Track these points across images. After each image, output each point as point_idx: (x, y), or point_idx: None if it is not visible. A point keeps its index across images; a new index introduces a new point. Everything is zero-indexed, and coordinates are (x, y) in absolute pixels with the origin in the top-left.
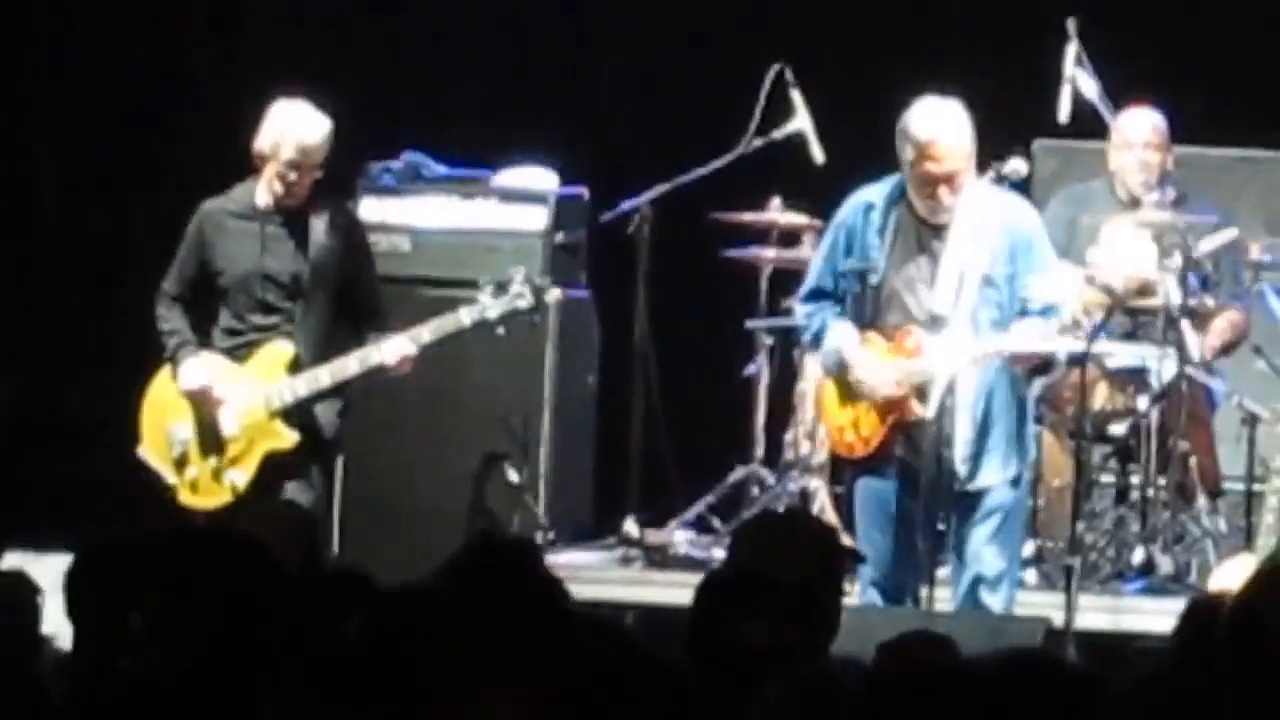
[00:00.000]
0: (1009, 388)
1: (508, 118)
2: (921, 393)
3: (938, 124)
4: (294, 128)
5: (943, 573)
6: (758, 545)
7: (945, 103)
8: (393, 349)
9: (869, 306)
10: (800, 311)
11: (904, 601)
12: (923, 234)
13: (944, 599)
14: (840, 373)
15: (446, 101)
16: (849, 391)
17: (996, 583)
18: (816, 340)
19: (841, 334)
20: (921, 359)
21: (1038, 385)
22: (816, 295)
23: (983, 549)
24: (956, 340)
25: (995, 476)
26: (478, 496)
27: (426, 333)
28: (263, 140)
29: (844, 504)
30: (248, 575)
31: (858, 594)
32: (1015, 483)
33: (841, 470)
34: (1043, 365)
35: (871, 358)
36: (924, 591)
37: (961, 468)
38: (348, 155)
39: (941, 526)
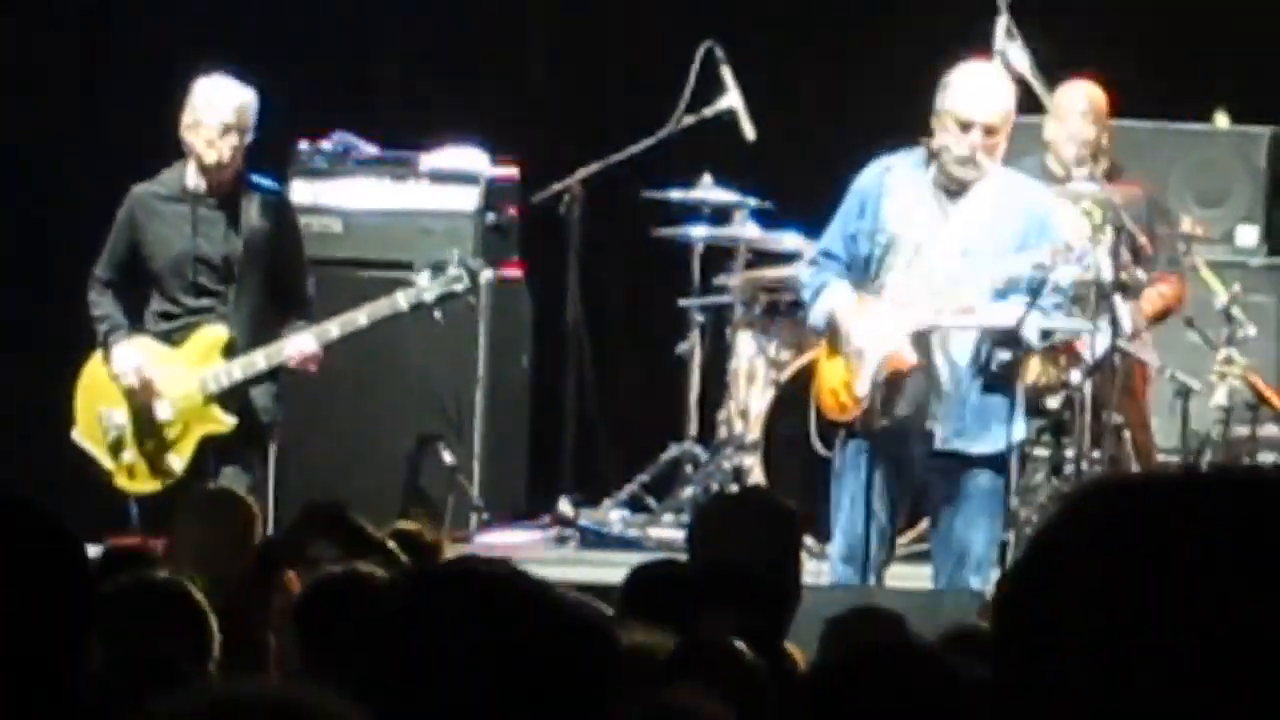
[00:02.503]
0: (990, 359)
1: (438, 98)
2: (918, 345)
3: (988, 75)
4: (216, 95)
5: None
6: (722, 531)
7: (992, 65)
8: (295, 346)
9: (875, 266)
10: (804, 273)
11: (869, 578)
12: (940, 198)
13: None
14: (826, 331)
15: (376, 82)
16: (840, 353)
17: (980, 564)
18: (814, 297)
19: (837, 294)
20: (913, 311)
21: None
22: (825, 256)
23: (968, 529)
24: (957, 303)
25: (984, 447)
26: (412, 478)
27: (346, 321)
28: (187, 115)
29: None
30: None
31: (828, 571)
32: (1002, 459)
33: (831, 436)
34: (1008, 339)
35: (862, 321)
36: (881, 570)
37: (949, 428)
38: (277, 137)
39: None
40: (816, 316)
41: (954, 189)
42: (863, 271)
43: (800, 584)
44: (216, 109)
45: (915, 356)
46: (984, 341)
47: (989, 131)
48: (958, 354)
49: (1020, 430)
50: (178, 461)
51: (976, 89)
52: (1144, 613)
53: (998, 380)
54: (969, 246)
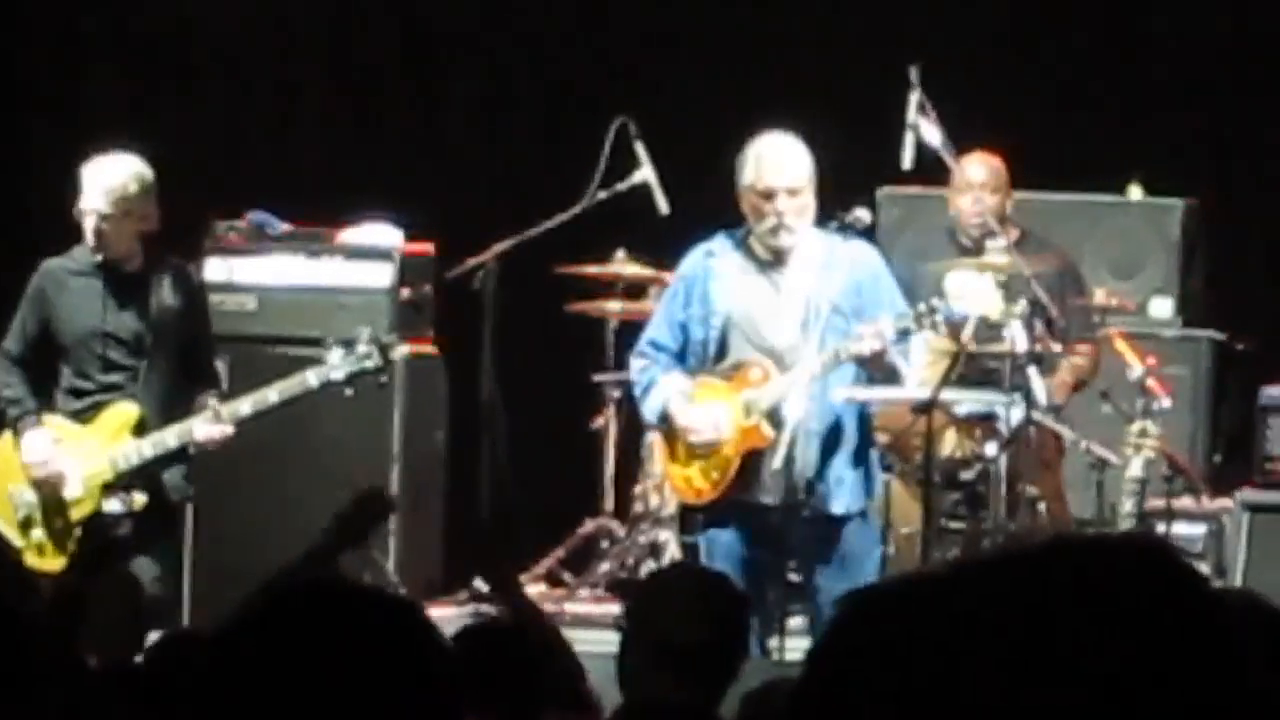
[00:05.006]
0: (856, 422)
1: (352, 175)
2: (772, 418)
3: (778, 141)
4: (102, 177)
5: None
6: (658, 605)
7: (783, 133)
8: (203, 430)
9: (713, 348)
10: (634, 366)
11: (767, 651)
12: (765, 270)
13: (796, 649)
14: (665, 427)
15: (291, 159)
16: (679, 446)
17: None
18: (645, 394)
19: (667, 388)
20: (770, 385)
21: (883, 435)
22: (652, 347)
23: (841, 592)
24: (804, 370)
25: (845, 505)
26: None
27: (258, 399)
28: (80, 195)
29: (694, 555)
30: None
31: None
32: (864, 516)
33: (691, 519)
34: (887, 366)
35: (696, 408)
36: (773, 641)
37: (810, 494)
38: (191, 214)
39: (793, 577)
40: (650, 411)
41: (774, 260)
42: (701, 355)
43: (741, 660)
44: (94, 195)
45: (773, 433)
46: (850, 406)
47: (792, 194)
48: (809, 420)
49: (879, 484)
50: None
51: (771, 157)
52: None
53: (858, 436)
54: (806, 316)
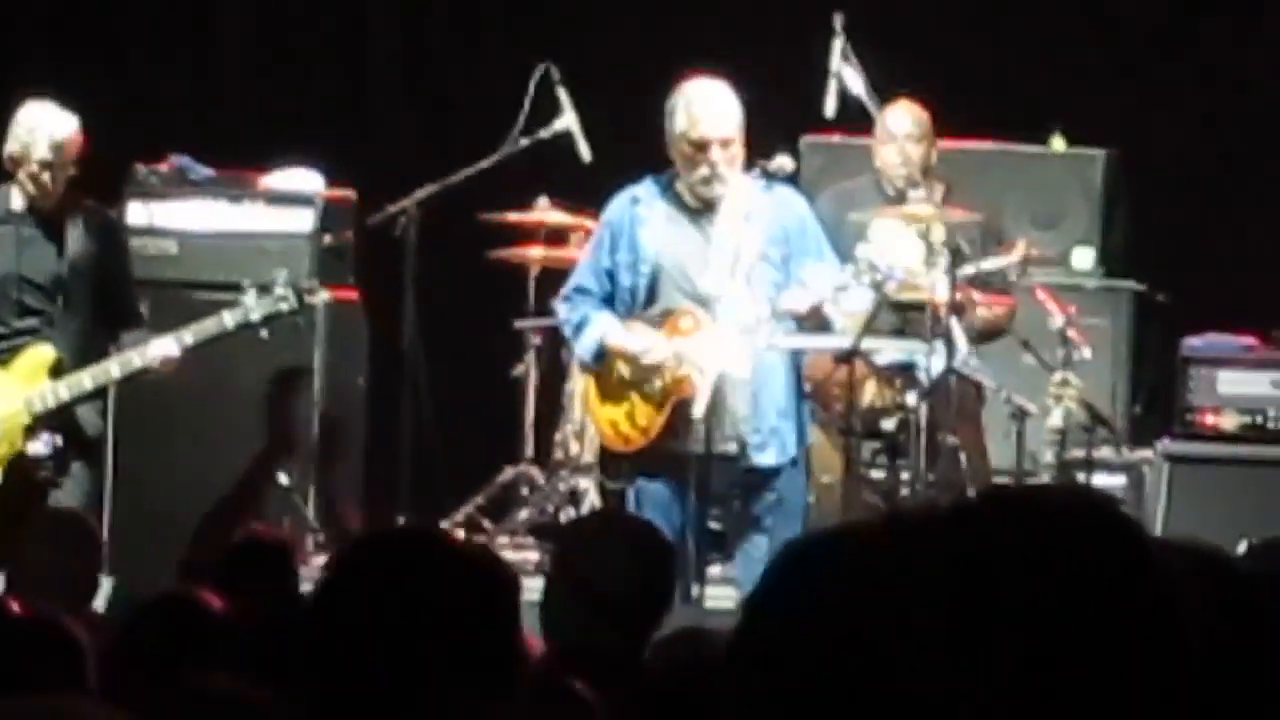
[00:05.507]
0: (786, 370)
1: (274, 120)
2: (703, 368)
3: (710, 89)
4: (43, 126)
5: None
6: (585, 553)
7: (713, 79)
8: (156, 350)
9: (641, 295)
10: (561, 309)
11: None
12: (693, 218)
13: (720, 597)
14: (599, 366)
15: (213, 104)
16: (610, 387)
17: None
18: (577, 332)
19: (602, 325)
20: (700, 335)
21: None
22: (578, 293)
23: (771, 542)
24: (733, 319)
25: (776, 457)
26: (250, 500)
27: (189, 335)
28: (12, 143)
29: (613, 502)
30: None
31: None
32: (795, 464)
33: (615, 466)
34: (820, 318)
35: (637, 334)
36: (695, 590)
37: (741, 444)
38: (113, 159)
39: (716, 525)
40: (585, 349)
41: (702, 207)
42: (629, 303)
43: (666, 608)
44: (38, 146)
45: (704, 383)
46: (780, 355)
47: (725, 144)
48: (741, 370)
49: (811, 434)
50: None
51: (704, 107)
52: (849, 671)
53: (791, 386)
54: (734, 263)
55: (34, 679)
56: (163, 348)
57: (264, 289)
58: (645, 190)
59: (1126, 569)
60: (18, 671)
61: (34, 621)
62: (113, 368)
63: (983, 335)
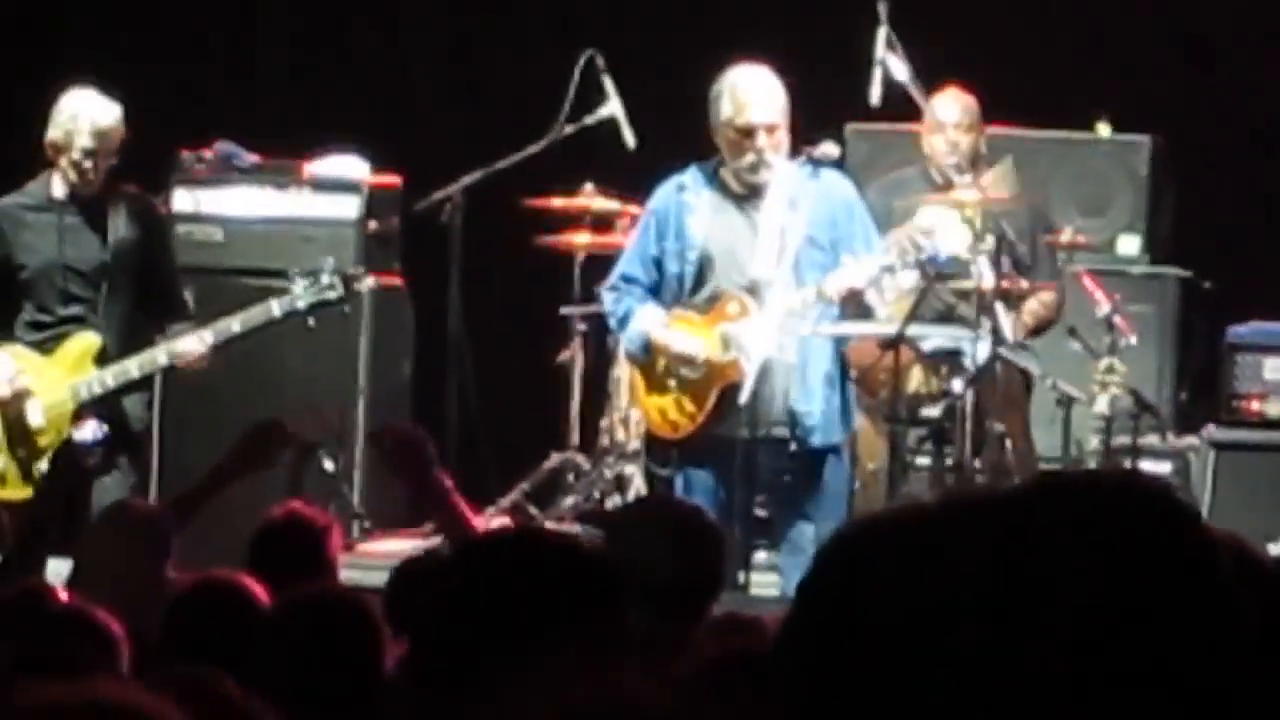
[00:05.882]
0: (831, 356)
1: (320, 107)
2: (749, 354)
3: (754, 75)
4: (86, 114)
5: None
6: (634, 540)
7: (757, 65)
8: (183, 348)
9: (689, 282)
10: (607, 299)
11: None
12: (740, 204)
13: (765, 584)
14: (646, 358)
15: (258, 91)
16: (656, 377)
17: None
18: (622, 324)
19: (647, 318)
20: (746, 320)
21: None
22: (624, 282)
23: (820, 529)
24: (779, 304)
25: (823, 438)
26: (294, 487)
27: (221, 329)
28: (55, 130)
29: (662, 488)
30: None
31: None
32: (839, 450)
33: (663, 453)
34: (863, 303)
35: (680, 333)
36: (741, 577)
37: (788, 428)
38: (159, 146)
39: (761, 512)
40: (630, 341)
41: (748, 194)
42: (677, 290)
43: (715, 594)
44: (82, 133)
45: (751, 367)
46: (826, 341)
47: (771, 130)
48: (787, 355)
49: (857, 418)
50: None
51: (750, 93)
52: (902, 654)
53: (836, 370)
54: (782, 249)
55: (71, 665)
56: (189, 345)
57: (311, 277)
58: (691, 178)
59: (1180, 553)
60: (55, 658)
61: (72, 611)
62: (160, 355)
63: (1034, 330)
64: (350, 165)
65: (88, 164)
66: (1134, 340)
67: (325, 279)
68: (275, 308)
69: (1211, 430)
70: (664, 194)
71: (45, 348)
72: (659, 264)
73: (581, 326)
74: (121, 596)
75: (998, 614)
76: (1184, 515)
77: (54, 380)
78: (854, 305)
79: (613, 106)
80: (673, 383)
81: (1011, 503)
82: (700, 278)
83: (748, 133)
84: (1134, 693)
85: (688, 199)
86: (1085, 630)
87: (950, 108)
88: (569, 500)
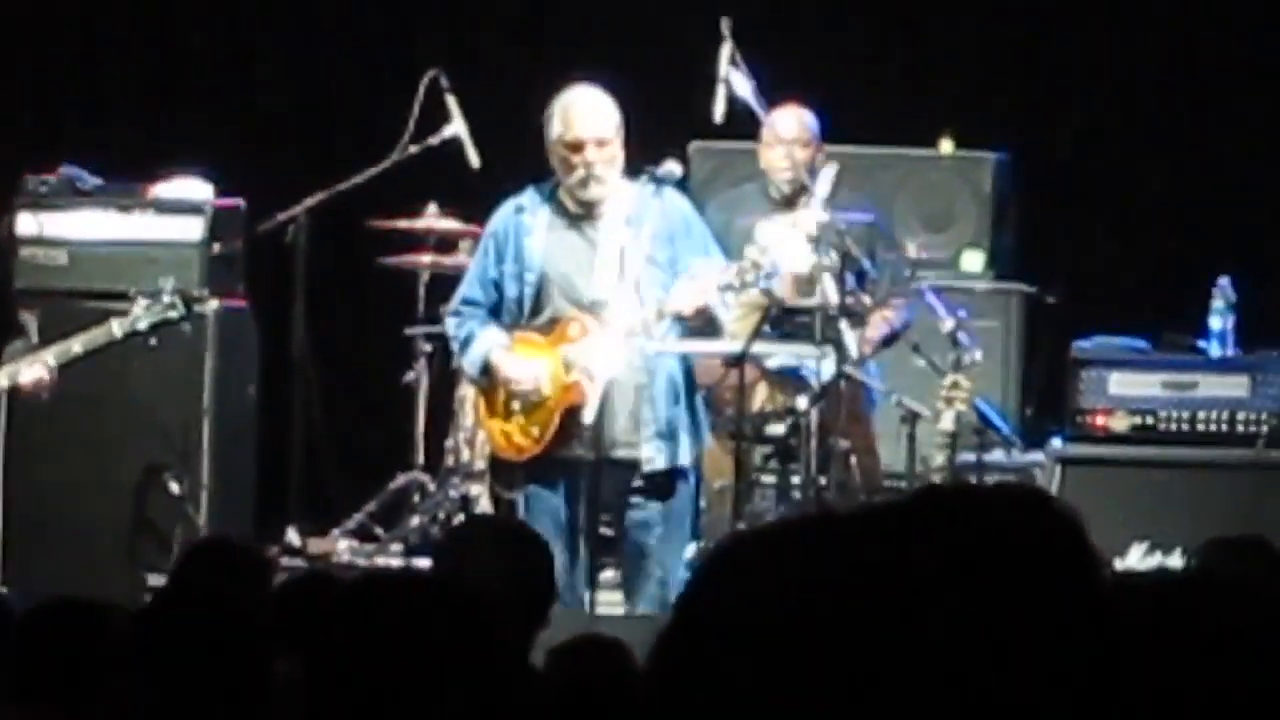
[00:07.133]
0: (677, 374)
1: (163, 129)
2: (592, 374)
3: (584, 93)
4: None
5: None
6: (459, 559)
7: (589, 85)
8: (26, 377)
9: (528, 304)
10: (449, 324)
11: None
12: (577, 224)
13: (610, 603)
14: (487, 381)
15: (102, 114)
16: (499, 400)
17: (682, 584)
18: (464, 348)
19: (487, 341)
20: (588, 341)
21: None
22: (466, 304)
23: (666, 549)
24: (621, 323)
25: (667, 461)
26: (139, 508)
27: (61, 350)
28: None
29: (505, 509)
30: None
31: None
32: (686, 469)
33: (508, 473)
34: (708, 319)
35: (517, 359)
36: (588, 595)
37: (631, 449)
38: (2, 169)
39: (607, 531)
40: (470, 364)
41: (584, 213)
42: (516, 313)
43: (547, 606)
44: None
45: (595, 389)
46: (670, 358)
47: (600, 144)
48: (633, 375)
49: (706, 437)
50: None
51: (578, 109)
52: (785, 665)
53: (684, 389)
54: (620, 268)
55: None
56: (32, 371)
57: (152, 297)
58: (529, 198)
59: (1067, 563)
60: None
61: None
62: (0, 380)
63: (883, 343)
64: (194, 187)
65: None
66: (979, 356)
67: (166, 298)
68: (116, 328)
69: (1057, 445)
70: (502, 216)
71: None
72: (498, 286)
73: (426, 347)
74: None
75: (880, 625)
76: (1064, 522)
77: None
78: (701, 320)
79: (457, 126)
80: (516, 405)
81: (893, 516)
82: (539, 299)
83: (576, 147)
84: (1011, 700)
85: (525, 220)
86: (971, 643)
87: (788, 123)
88: (415, 521)
